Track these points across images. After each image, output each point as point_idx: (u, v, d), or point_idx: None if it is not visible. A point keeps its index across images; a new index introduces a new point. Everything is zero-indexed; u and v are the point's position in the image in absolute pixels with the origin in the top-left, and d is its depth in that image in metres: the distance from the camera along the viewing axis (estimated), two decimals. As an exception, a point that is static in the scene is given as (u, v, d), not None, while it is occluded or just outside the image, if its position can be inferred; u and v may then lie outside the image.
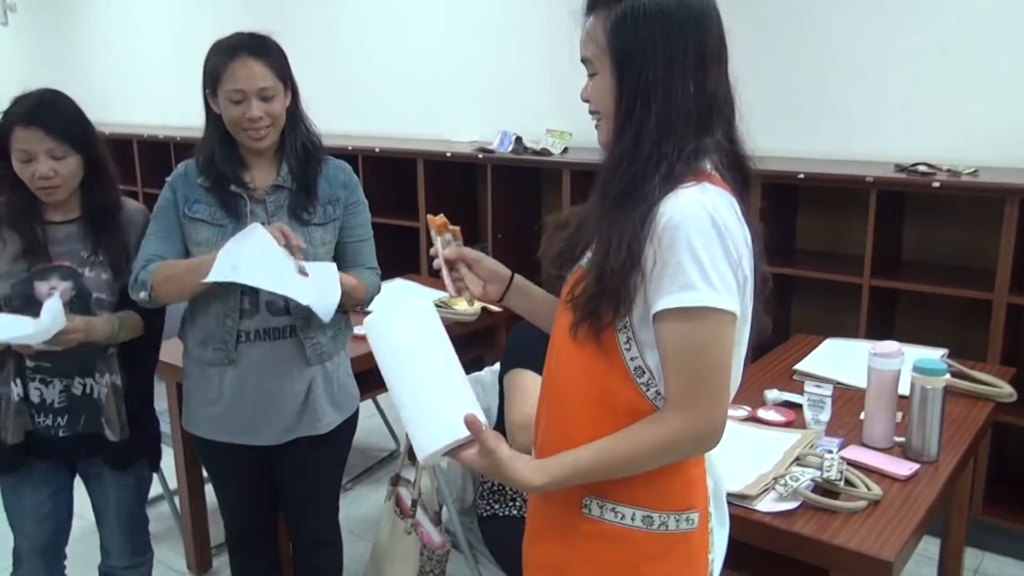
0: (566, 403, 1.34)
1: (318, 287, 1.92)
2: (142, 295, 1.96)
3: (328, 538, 2.35)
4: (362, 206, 2.18)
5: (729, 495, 1.70)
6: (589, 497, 1.31)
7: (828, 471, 1.73)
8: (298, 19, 5.33)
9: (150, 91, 6.49)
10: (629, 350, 1.25)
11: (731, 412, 2.11)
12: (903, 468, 1.83)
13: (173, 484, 3.10)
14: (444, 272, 1.50)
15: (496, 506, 2.28)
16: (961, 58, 3.19)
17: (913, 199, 3.31)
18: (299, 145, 2.07)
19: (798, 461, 1.83)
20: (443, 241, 1.51)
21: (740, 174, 1.29)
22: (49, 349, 1.95)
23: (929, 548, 2.80)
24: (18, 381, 2.04)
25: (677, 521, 1.31)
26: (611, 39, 1.24)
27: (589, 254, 1.30)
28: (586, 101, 1.33)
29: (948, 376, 1.93)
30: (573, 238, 1.37)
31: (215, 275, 1.83)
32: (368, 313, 1.43)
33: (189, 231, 2.02)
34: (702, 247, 1.17)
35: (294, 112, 2.06)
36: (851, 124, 3.47)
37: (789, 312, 3.68)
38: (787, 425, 2.05)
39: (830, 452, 1.81)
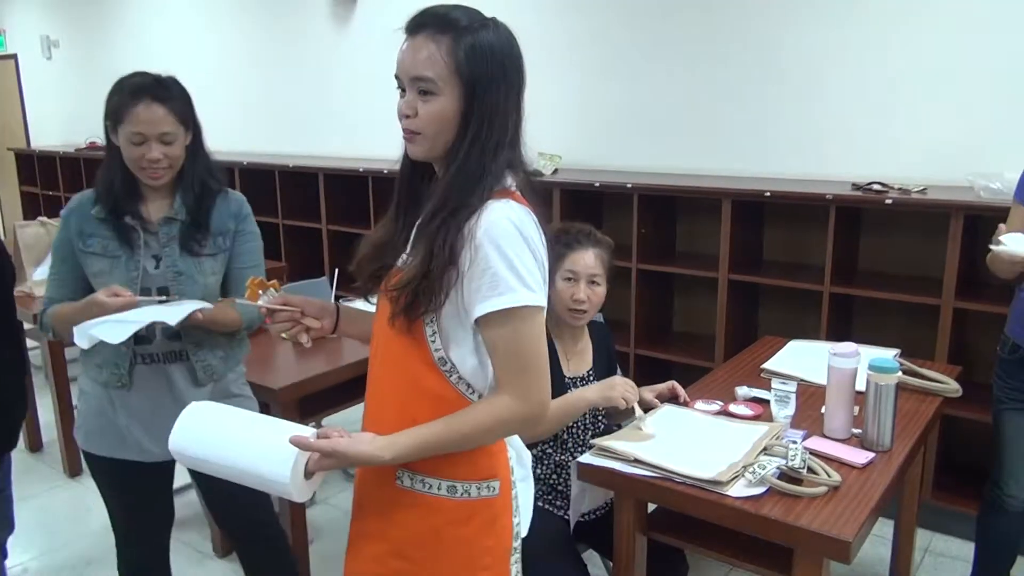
0: (383, 385, 1.39)
1: (175, 309, 1.85)
2: (49, 335, 2.00)
3: (264, 531, 2.21)
4: (251, 235, 2.08)
5: (702, 481, 1.71)
6: (402, 470, 1.37)
7: (792, 460, 1.73)
8: (331, 43, 5.33)
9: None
10: (434, 342, 1.31)
11: (705, 406, 2.12)
12: (860, 457, 1.83)
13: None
14: (275, 324, 1.51)
15: None
16: (910, 87, 3.20)
17: (868, 214, 3.33)
18: (197, 181, 1.98)
19: (765, 451, 1.83)
20: (266, 299, 1.51)
21: (535, 191, 1.35)
22: None
23: (884, 530, 2.80)
24: None
25: (479, 489, 1.37)
26: (468, 66, 1.24)
27: (404, 256, 1.34)
28: (407, 116, 1.28)
29: (900, 374, 1.93)
30: (390, 249, 1.38)
31: (80, 342, 1.79)
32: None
33: (85, 263, 1.93)
34: (513, 254, 1.23)
35: (195, 149, 1.98)
36: (812, 147, 3.48)
37: (756, 317, 3.69)
38: (756, 419, 2.05)
39: (794, 443, 1.80)
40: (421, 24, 1.27)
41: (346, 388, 2.65)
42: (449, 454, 1.33)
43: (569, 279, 2.09)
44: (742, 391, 2.23)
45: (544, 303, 1.28)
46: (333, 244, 4.87)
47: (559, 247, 2.09)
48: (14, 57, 8.28)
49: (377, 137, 4.92)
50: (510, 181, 1.31)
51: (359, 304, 1.58)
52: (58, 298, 1.95)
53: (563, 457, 2.15)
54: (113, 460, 2.02)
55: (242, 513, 2.16)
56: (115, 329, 1.76)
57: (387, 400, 1.38)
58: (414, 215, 1.36)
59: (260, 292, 1.51)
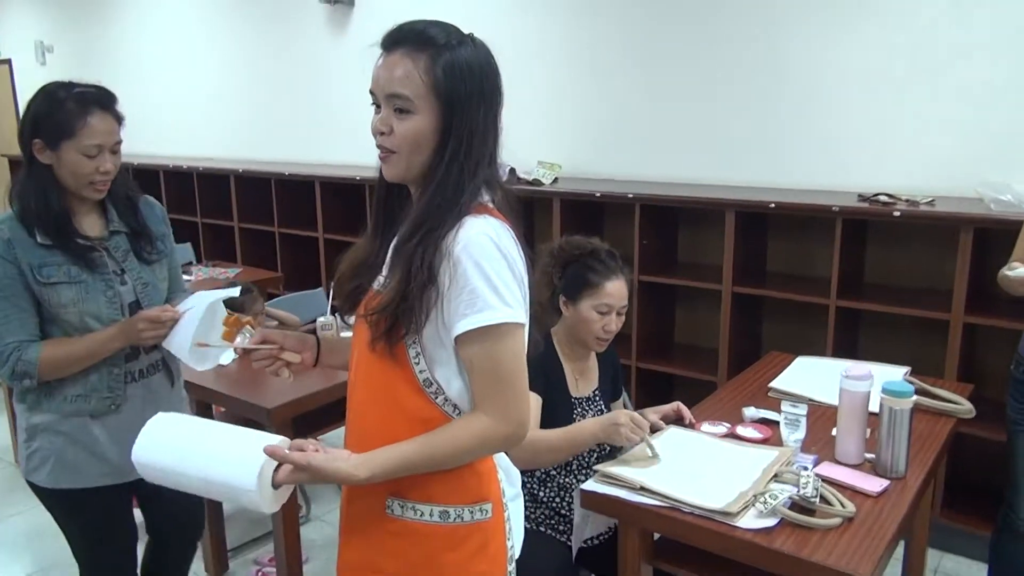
0: (365, 409, 1.34)
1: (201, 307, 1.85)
2: (26, 383, 1.79)
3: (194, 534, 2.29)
4: (172, 237, 2.08)
5: (712, 512, 1.64)
6: (391, 498, 1.33)
7: (804, 488, 1.66)
8: (326, 51, 5.27)
9: (174, 124, 6.44)
10: (418, 363, 1.27)
11: (711, 429, 2.06)
12: (874, 485, 1.76)
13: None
14: (259, 359, 1.48)
15: None
16: (916, 96, 3.15)
17: (875, 226, 3.27)
18: (123, 190, 1.93)
19: (776, 478, 1.76)
20: (243, 338, 1.47)
21: (512, 206, 1.32)
22: None
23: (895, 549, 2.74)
24: None
25: (472, 512, 1.33)
26: (445, 84, 1.21)
27: (380, 278, 1.31)
28: (381, 133, 1.26)
29: (915, 397, 1.86)
30: (367, 269, 1.36)
31: (200, 365, 1.81)
32: None
33: (47, 296, 1.77)
34: (492, 270, 1.20)
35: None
36: (816, 156, 3.43)
37: (760, 330, 3.62)
38: (764, 442, 1.98)
39: (805, 469, 1.74)
40: (398, 40, 1.24)
41: (341, 406, 2.57)
42: (439, 477, 1.30)
43: (604, 312, 2.04)
44: (749, 412, 2.16)
45: (523, 320, 1.25)
46: (329, 253, 4.80)
47: (591, 275, 2.04)
48: (8, 62, 8.21)
49: (372, 146, 4.85)
50: (487, 197, 1.28)
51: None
52: (28, 337, 1.77)
53: (567, 479, 2.08)
54: (92, 490, 1.91)
55: (187, 522, 2.20)
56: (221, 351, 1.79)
57: (371, 425, 1.33)
58: (391, 234, 1.34)
59: (236, 331, 1.45)
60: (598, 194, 3.61)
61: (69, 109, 1.76)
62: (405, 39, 1.23)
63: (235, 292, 1.85)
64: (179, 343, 1.80)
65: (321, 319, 2.84)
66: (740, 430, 2.05)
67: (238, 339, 1.45)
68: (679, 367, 3.59)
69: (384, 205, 1.38)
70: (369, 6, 4.91)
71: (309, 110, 5.43)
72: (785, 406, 1.97)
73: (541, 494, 2.08)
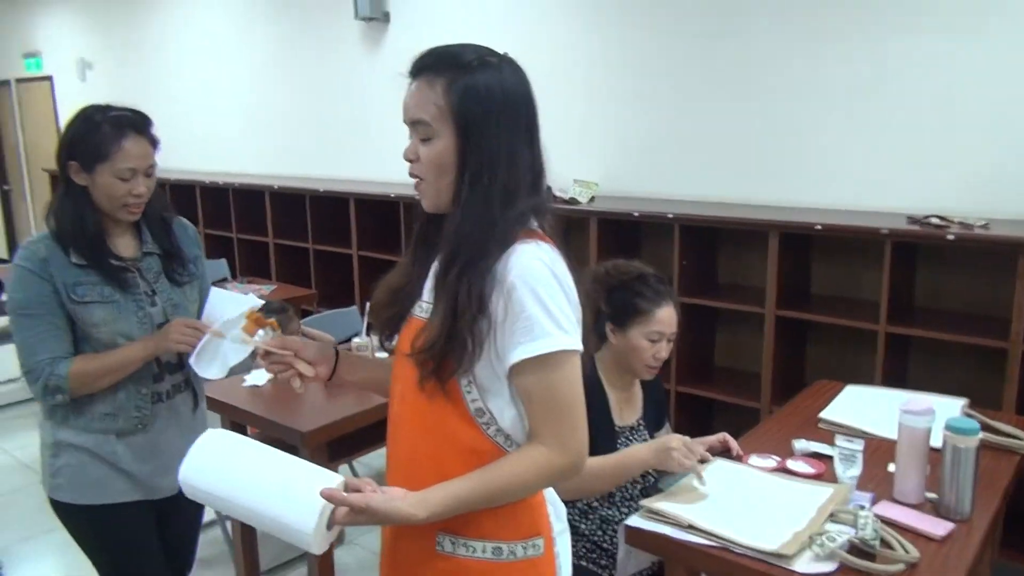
0: (415, 441, 1.30)
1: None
2: (57, 398, 1.79)
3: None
4: (204, 259, 2.11)
5: (765, 553, 1.56)
6: (442, 535, 1.28)
7: (863, 530, 1.58)
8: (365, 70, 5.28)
9: (211, 140, 6.49)
10: (470, 393, 1.24)
11: (760, 462, 1.98)
12: (938, 528, 1.67)
13: (224, 512, 2.99)
14: (274, 363, 1.43)
15: None
16: (969, 112, 3.04)
17: (925, 249, 3.16)
18: (158, 212, 1.94)
19: (831, 517, 1.68)
20: (264, 337, 1.42)
21: (559, 230, 1.30)
22: None
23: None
24: None
25: (524, 548, 1.30)
26: (460, 107, 1.20)
27: (422, 303, 1.29)
28: (410, 161, 1.26)
29: (981, 435, 1.77)
30: (406, 296, 1.34)
31: (212, 374, 1.81)
32: None
33: (80, 315, 1.79)
34: (548, 297, 1.18)
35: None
36: (863, 176, 3.33)
37: (805, 355, 3.52)
38: (817, 477, 1.90)
39: (863, 509, 1.65)
40: (421, 67, 1.25)
41: (376, 430, 2.52)
42: (491, 513, 1.26)
43: (655, 340, 1.98)
44: (800, 445, 2.08)
45: (580, 346, 1.22)
46: (363, 270, 4.78)
47: (640, 301, 1.98)
48: (50, 79, 8.36)
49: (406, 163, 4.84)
50: (535, 223, 1.26)
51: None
52: (62, 354, 1.79)
53: (610, 512, 2.01)
54: (115, 506, 1.91)
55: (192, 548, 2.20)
56: (234, 352, 1.78)
57: (420, 457, 1.29)
58: (429, 261, 1.32)
59: (257, 328, 1.39)
60: (636, 214, 3.54)
61: (105, 132, 1.78)
62: (428, 65, 1.24)
63: (256, 302, 1.84)
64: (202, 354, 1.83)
65: (356, 340, 2.80)
66: (791, 464, 1.97)
67: (258, 335, 1.39)
68: (720, 392, 3.49)
69: (423, 231, 1.36)
70: (404, 22, 4.91)
71: (344, 126, 5.44)
72: (840, 440, 1.88)
73: (582, 527, 2.01)
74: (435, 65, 1.22)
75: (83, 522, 1.92)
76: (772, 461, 1.98)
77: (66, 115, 8.65)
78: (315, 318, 3.73)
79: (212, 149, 6.50)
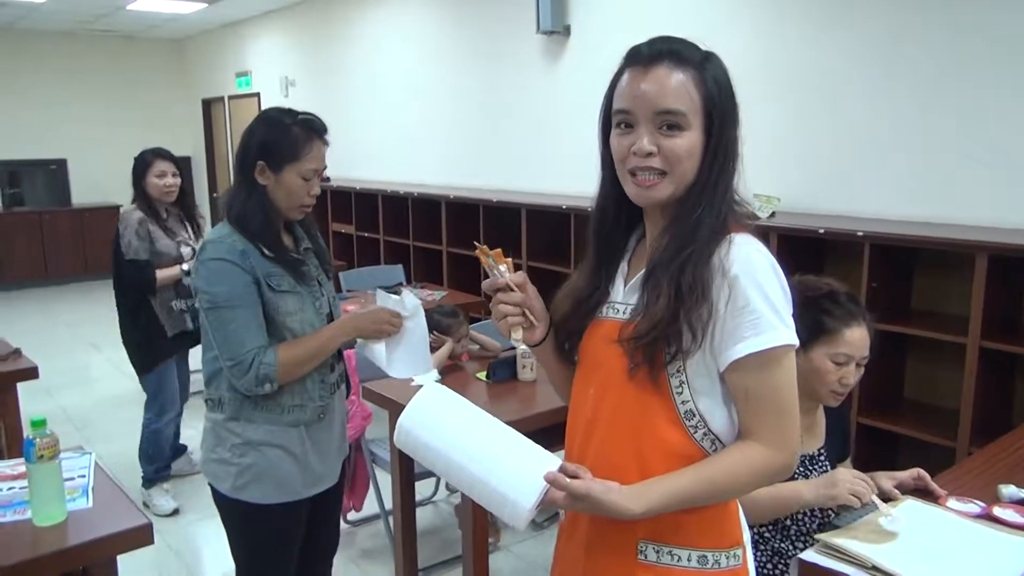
0: (618, 443, 1.25)
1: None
2: (267, 387, 1.83)
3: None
4: None
5: (966, 608, 1.39)
6: (645, 543, 1.24)
7: (1090, 594, 1.36)
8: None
9: (395, 151, 6.82)
10: (681, 393, 1.20)
11: (961, 507, 1.77)
12: None
13: (389, 504, 3.08)
14: (506, 302, 1.29)
15: None
16: None
17: None
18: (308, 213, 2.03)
19: (1049, 576, 1.46)
20: (500, 272, 1.31)
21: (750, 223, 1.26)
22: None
23: None
24: (178, 300, 3.43)
25: (728, 559, 1.25)
26: (712, 99, 1.18)
27: (618, 306, 1.26)
28: (649, 154, 1.17)
29: None
30: (593, 303, 1.31)
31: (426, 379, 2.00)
32: None
33: (278, 304, 1.86)
34: (771, 290, 1.16)
35: None
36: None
37: (1013, 392, 3.15)
38: (1029, 529, 1.67)
39: (1090, 570, 1.43)
40: (659, 54, 1.19)
41: (537, 437, 2.51)
42: (697, 518, 1.23)
43: (841, 363, 1.83)
44: (1008, 491, 1.83)
45: (798, 341, 1.18)
46: (532, 280, 4.80)
47: (828, 320, 1.84)
48: (257, 95, 9.14)
49: (580, 174, 4.83)
50: (739, 212, 1.25)
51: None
52: (265, 343, 1.85)
53: (783, 545, 1.87)
54: (294, 503, 1.96)
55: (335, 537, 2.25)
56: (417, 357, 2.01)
57: (621, 461, 1.23)
58: (614, 266, 1.31)
59: (496, 264, 1.31)
60: (822, 231, 3.32)
61: (296, 135, 1.87)
62: (667, 53, 1.18)
63: (416, 301, 2.00)
64: (392, 351, 1.99)
65: (523, 346, 2.80)
66: (997, 511, 1.74)
67: (500, 268, 1.30)
68: (909, 427, 3.19)
69: (610, 236, 1.32)
70: (585, 36, 4.91)
71: (520, 138, 5.53)
72: (1061, 489, 1.64)
73: (753, 558, 1.88)
74: (676, 55, 1.18)
75: (258, 520, 1.94)
76: (975, 506, 1.77)
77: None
78: (482, 324, 3.78)
79: (394, 160, 6.82)
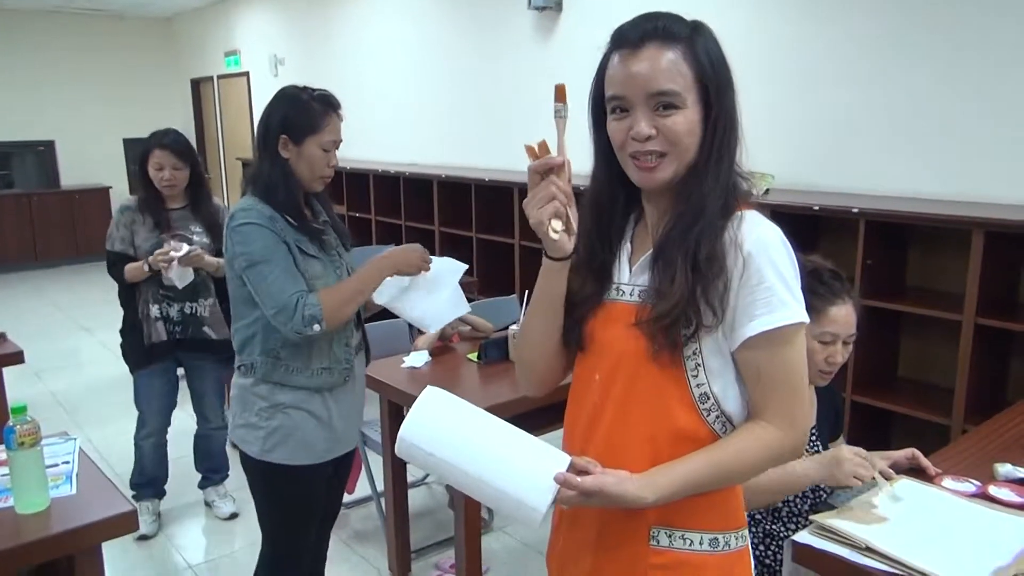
0: (628, 427, 1.22)
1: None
2: (315, 327, 1.86)
3: None
4: None
5: (961, 589, 1.37)
6: (657, 528, 1.22)
7: (1085, 574, 1.35)
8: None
9: (385, 130, 6.75)
10: (696, 376, 1.18)
11: (957, 486, 1.75)
12: None
13: (381, 487, 3.07)
14: (558, 185, 1.19)
15: None
16: None
17: None
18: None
19: (1044, 556, 1.45)
20: (561, 114, 1.21)
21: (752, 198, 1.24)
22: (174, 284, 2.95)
23: None
24: (154, 305, 3.04)
25: (736, 539, 1.26)
26: (705, 73, 1.15)
27: (624, 287, 1.23)
28: (648, 138, 1.14)
29: None
30: (600, 288, 1.26)
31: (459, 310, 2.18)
32: None
33: (307, 268, 1.94)
34: (783, 267, 1.15)
35: None
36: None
37: (1008, 370, 3.14)
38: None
39: (1085, 550, 1.41)
40: (646, 34, 1.15)
41: (531, 417, 2.49)
42: (707, 500, 1.21)
43: (827, 342, 1.81)
44: (1004, 469, 1.82)
45: (808, 319, 1.17)
46: (524, 260, 4.79)
47: (812, 298, 1.80)
48: (246, 75, 9.04)
49: (573, 153, 4.79)
50: (744, 188, 1.22)
51: None
52: (305, 289, 1.90)
53: (775, 527, 1.86)
54: (318, 465, 2.04)
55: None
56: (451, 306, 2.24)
57: (630, 444, 1.21)
58: (616, 248, 1.27)
59: (560, 103, 1.21)
60: (816, 207, 3.29)
61: (315, 109, 1.96)
62: (653, 32, 1.14)
63: (462, 267, 2.22)
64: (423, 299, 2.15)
65: (514, 327, 2.78)
66: (993, 490, 1.72)
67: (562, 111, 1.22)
68: (903, 405, 3.18)
69: (610, 220, 1.28)
70: (577, 11, 4.85)
71: (513, 116, 5.47)
72: (1057, 468, 1.63)
73: (743, 539, 1.87)
74: (663, 33, 1.14)
75: (286, 481, 2.01)
76: (970, 485, 1.75)
77: (260, 107, 9.34)
78: (476, 305, 3.75)
79: (385, 140, 6.76)
